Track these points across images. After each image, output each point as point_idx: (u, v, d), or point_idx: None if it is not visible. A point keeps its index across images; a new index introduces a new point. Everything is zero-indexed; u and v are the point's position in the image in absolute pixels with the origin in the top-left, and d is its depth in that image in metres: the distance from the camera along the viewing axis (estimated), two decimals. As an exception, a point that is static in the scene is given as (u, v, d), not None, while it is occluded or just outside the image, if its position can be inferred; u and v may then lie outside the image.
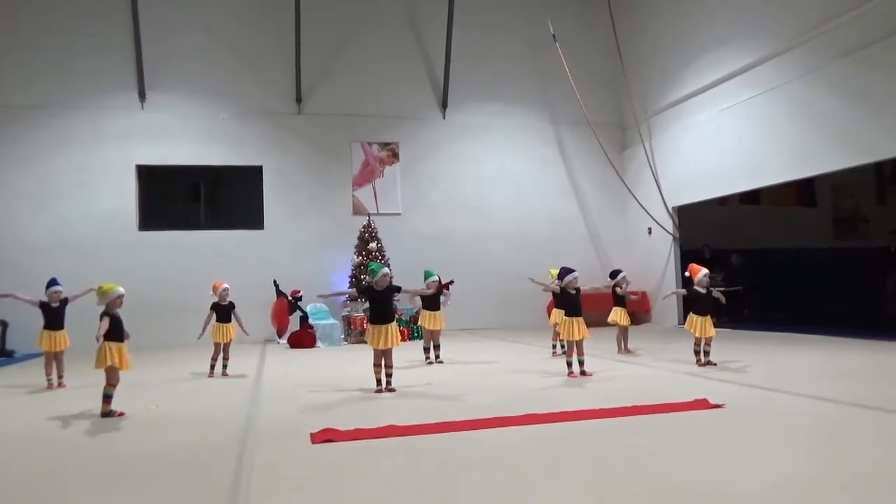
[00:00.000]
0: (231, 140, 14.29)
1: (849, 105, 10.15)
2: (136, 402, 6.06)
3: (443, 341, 9.28)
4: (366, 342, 6.88)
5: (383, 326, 6.45)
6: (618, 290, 9.40)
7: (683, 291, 8.94)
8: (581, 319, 7.09)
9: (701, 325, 7.54)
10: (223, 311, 8.11)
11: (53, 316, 7.63)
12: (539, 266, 10.93)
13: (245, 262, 13.71)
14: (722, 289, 8.42)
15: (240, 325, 8.18)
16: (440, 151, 15.47)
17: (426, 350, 9.02)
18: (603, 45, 15.90)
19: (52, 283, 7.77)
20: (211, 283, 8.41)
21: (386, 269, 6.68)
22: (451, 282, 9.51)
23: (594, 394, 6.00)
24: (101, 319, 5.65)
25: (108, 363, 5.57)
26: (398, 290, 6.73)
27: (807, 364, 7.70)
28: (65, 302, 7.70)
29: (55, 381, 7.60)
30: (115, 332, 5.67)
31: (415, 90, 15.38)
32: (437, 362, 8.88)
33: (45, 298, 7.68)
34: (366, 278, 10.19)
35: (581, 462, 3.78)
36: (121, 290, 5.81)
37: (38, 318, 7.72)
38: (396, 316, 7.76)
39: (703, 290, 7.69)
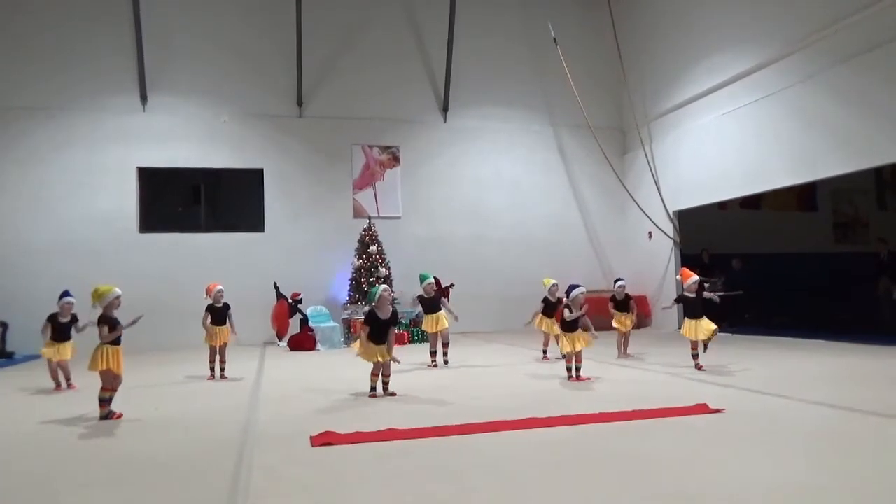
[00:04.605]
0: (232, 142, 14.29)
1: (850, 110, 10.15)
2: (136, 405, 6.06)
3: (443, 345, 9.29)
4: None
5: (379, 346, 6.36)
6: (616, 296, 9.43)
7: (671, 306, 8.93)
8: (578, 333, 7.03)
9: (695, 328, 7.57)
10: (218, 314, 8.07)
11: (61, 329, 7.50)
12: (539, 269, 10.95)
13: (245, 265, 13.72)
14: (721, 293, 8.42)
15: (231, 325, 8.13)
16: (441, 155, 15.48)
17: (433, 354, 9.01)
18: (604, 49, 15.93)
19: (65, 294, 7.63)
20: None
21: (384, 287, 6.51)
22: (452, 285, 9.43)
23: (594, 398, 5.99)
24: (98, 326, 5.58)
25: (103, 367, 5.52)
26: (396, 320, 6.63)
27: (807, 369, 7.68)
28: (74, 318, 7.54)
29: (63, 382, 7.57)
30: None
31: (416, 93, 15.39)
32: (444, 360, 8.93)
33: (56, 310, 7.55)
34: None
35: (581, 466, 3.78)
36: (118, 291, 5.77)
37: (39, 320, 7.67)
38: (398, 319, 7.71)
39: (692, 295, 7.70)
